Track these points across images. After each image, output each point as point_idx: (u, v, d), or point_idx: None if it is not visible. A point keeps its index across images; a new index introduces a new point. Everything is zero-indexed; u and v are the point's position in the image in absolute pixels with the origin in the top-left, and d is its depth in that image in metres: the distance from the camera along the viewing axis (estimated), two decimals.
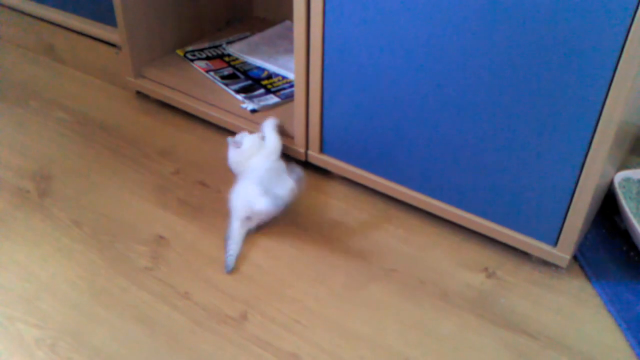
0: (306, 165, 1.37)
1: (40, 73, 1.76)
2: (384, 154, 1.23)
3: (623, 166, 1.33)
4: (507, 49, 0.98)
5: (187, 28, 1.67)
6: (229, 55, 1.64)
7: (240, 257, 1.15)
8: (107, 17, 1.64)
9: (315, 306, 1.07)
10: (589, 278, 1.13)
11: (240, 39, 1.71)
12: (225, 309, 1.06)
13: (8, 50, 1.87)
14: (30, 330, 1.01)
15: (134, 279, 1.11)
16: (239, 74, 1.56)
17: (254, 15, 1.87)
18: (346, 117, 1.24)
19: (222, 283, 1.10)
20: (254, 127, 1.38)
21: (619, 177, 1.25)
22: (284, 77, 1.55)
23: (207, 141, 1.47)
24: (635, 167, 1.31)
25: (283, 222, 1.23)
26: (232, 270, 1.12)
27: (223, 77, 1.54)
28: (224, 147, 1.31)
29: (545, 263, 1.15)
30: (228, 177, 1.30)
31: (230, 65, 1.59)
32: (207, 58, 1.62)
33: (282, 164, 1.28)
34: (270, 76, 1.55)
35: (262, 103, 1.44)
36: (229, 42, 1.69)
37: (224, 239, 1.18)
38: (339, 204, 1.29)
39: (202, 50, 1.65)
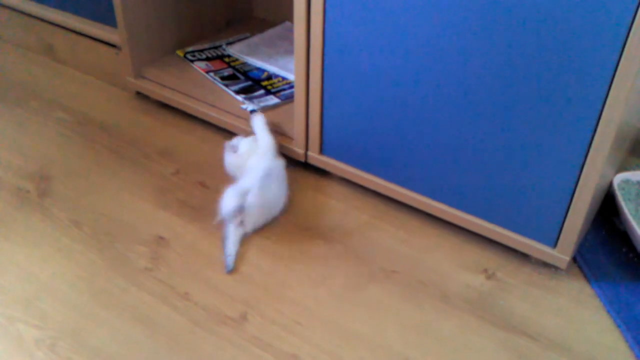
0: (306, 166, 1.37)
1: (40, 73, 1.76)
2: (384, 155, 1.23)
3: (622, 168, 1.34)
4: (507, 49, 0.98)
5: (187, 29, 1.67)
6: (229, 56, 1.64)
7: (240, 257, 1.15)
8: (107, 17, 1.64)
9: (315, 307, 1.07)
10: (588, 279, 1.13)
11: (240, 40, 1.71)
12: (225, 309, 1.06)
13: (8, 51, 1.87)
14: (29, 330, 1.01)
15: (133, 279, 1.11)
16: (239, 74, 1.56)
17: (254, 16, 1.87)
18: (346, 118, 1.24)
19: (222, 284, 1.10)
20: None
21: (618, 178, 1.25)
22: (283, 78, 1.55)
23: (207, 142, 1.47)
24: (634, 169, 1.31)
25: (283, 223, 1.23)
26: (232, 271, 1.12)
27: (223, 78, 1.54)
28: (224, 149, 1.31)
29: (544, 264, 1.15)
30: (228, 177, 1.30)
31: (230, 66, 1.59)
32: (207, 59, 1.62)
33: (280, 164, 1.28)
34: (270, 77, 1.55)
35: (262, 104, 1.44)
36: (229, 43, 1.69)
37: (222, 239, 1.18)
38: (338, 205, 1.29)
39: (202, 51, 1.65)
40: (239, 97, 1.47)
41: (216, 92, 1.49)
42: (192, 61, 1.60)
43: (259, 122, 1.34)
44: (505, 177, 1.10)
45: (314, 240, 1.20)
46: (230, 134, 1.45)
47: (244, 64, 1.61)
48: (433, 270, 1.15)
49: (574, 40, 0.92)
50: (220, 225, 1.20)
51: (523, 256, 1.17)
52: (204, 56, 1.63)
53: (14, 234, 1.20)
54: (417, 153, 1.18)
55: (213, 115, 1.46)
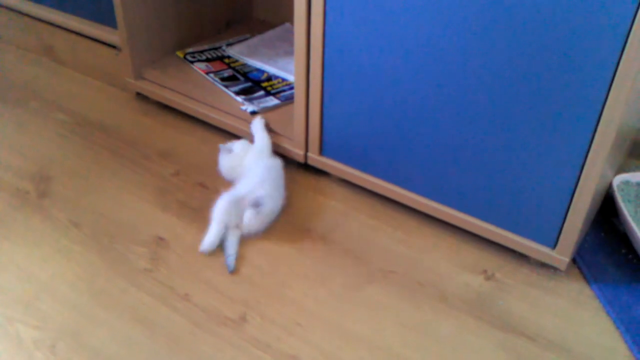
0: (306, 167, 1.38)
1: (40, 74, 1.76)
2: (383, 156, 1.23)
3: (622, 169, 1.34)
4: (507, 50, 0.99)
5: (187, 30, 1.67)
6: (228, 57, 1.64)
7: (240, 258, 1.15)
8: (107, 18, 1.64)
9: (314, 308, 1.07)
10: (587, 280, 1.13)
11: (240, 41, 1.71)
12: (224, 310, 1.06)
13: (8, 51, 1.88)
14: (29, 331, 1.01)
15: (133, 280, 1.11)
16: (238, 75, 1.56)
17: (254, 17, 1.87)
18: (346, 119, 1.24)
19: (222, 285, 1.10)
20: None
21: (617, 180, 1.25)
22: (283, 79, 1.55)
23: (207, 143, 1.47)
24: (633, 171, 1.31)
25: (282, 223, 1.23)
26: (234, 271, 1.13)
27: (223, 79, 1.54)
28: (219, 151, 1.31)
29: (544, 265, 1.15)
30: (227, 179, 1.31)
31: (230, 67, 1.60)
32: (207, 60, 1.62)
33: (278, 165, 1.28)
34: (270, 78, 1.55)
35: (262, 105, 1.44)
36: (228, 44, 1.69)
37: (222, 242, 1.18)
38: (338, 206, 1.29)
39: (202, 52, 1.65)
40: (239, 98, 1.47)
41: (216, 93, 1.49)
42: (192, 62, 1.60)
43: (258, 123, 1.35)
44: (505, 178, 1.10)
45: (313, 240, 1.20)
46: (230, 135, 1.45)
47: (244, 65, 1.61)
48: (432, 270, 1.15)
49: (574, 41, 0.93)
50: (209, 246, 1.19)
51: (522, 257, 1.17)
52: (203, 57, 1.63)
53: (13, 234, 1.20)
54: (416, 154, 1.18)
55: (213, 116, 1.46)
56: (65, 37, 1.74)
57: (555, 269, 1.14)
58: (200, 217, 1.25)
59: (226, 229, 1.17)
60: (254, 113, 1.42)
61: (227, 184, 1.31)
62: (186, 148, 1.45)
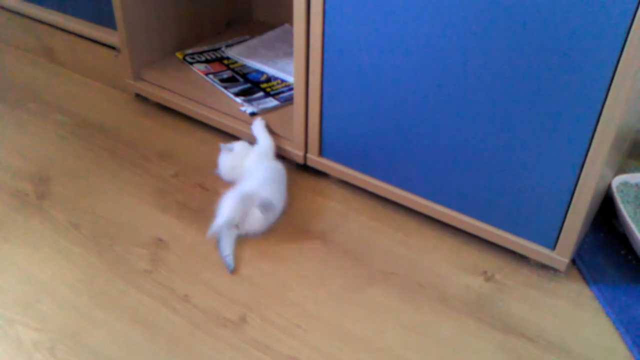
0: (305, 168, 1.38)
1: (39, 75, 1.76)
2: (383, 157, 1.23)
3: (621, 170, 1.34)
4: (507, 50, 0.99)
5: (186, 31, 1.67)
6: (228, 59, 1.64)
7: (240, 259, 1.15)
8: (106, 19, 1.64)
9: (314, 309, 1.07)
10: (587, 281, 1.13)
11: (239, 42, 1.71)
12: (224, 312, 1.06)
13: (7, 53, 1.88)
14: (28, 332, 1.01)
15: (133, 281, 1.11)
16: (238, 77, 1.56)
17: (254, 18, 1.88)
18: (345, 120, 1.24)
19: (222, 286, 1.10)
20: None
21: (616, 181, 1.25)
22: (282, 81, 1.55)
23: (207, 144, 1.47)
24: (632, 172, 1.32)
25: (282, 224, 1.23)
26: (234, 270, 1.12)
27: (222, 80, 1.54)
28: (220, 150, 1.31)
29: (543, 266, 1.15)
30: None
31: (229, 69, 1.60)
32: (206, 61, 1.62)
33: (281, 167, 1.28)
34: (269, 79, 1.55)
35: (261, 106, 1.44)
36: (228, 45, 1.69)
37: (216, 241, 1.18)
38: (337, 207, 1.29)
39: (201, 53, 1.65)
40: (238, 100, 1.47)
41: (215, 95, 1.49)
42: (191, 63, 1.60)
43: (259, 125, 1.35)
44: (505, 179, 1.10)
45: (313, 242, 1.20)
46: (229, 136, 1.45)
47: (243, 66, 1.61)
48: (432, 272, 1.15)
49: (573, 41, 0.93)
50: (218, 229, 1.19)
51: (522, 258, 1.17)
52: (203, 58, 1.63)
53: (13, 235, 1.20)
54: (416, 155, 1.18)
55: (212, 117, 1.46)
56: (65, 38, 1.74)
57: (555, 270, 1.15)
58: (199, 218, 1.25)
59: (227, 226, 1.17)
60: (253, 114, 1.42)
61: (227, 184, 1.32)
62: (185, 149, 1.45)
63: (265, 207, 1.17)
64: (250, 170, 1.27)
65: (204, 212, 1.26)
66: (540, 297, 1.10)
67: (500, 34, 0.98)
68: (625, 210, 1.18)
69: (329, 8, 1.14)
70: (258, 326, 1.03)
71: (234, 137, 1.42)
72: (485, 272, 1.15)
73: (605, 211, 1.26)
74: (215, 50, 1.67)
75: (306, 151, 1.34)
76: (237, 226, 1.17)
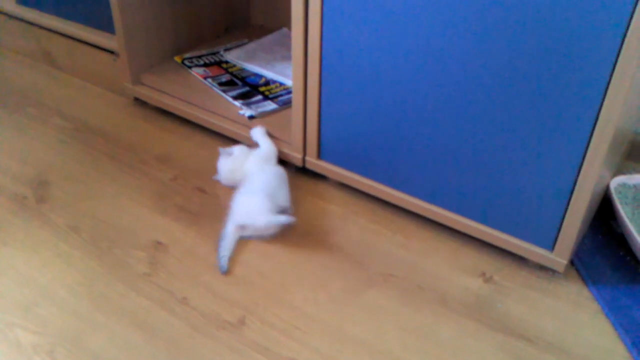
0: (304, 171, 1.38)
1: (38, 80, 1.76)
2: (382, 160, 1.23)
3: (619, 172, 1.34)
4: (505, 52, 0.99)
5: (185, 35, 1.68)
6: (226, 62, 1.64)
7: (239, 262, 1.15)
8: (105, 24, 1.64)
9: (314, 311, 1.07)
10: (585, 282, 1.13)
11: (237, 46, 1.71)
12: (223, 314, 1.06)
13: (6, 57, 1.88)
14: (28, 336, 1.01)
15: (132, 284, 1.11)
16: (236, 80, 1.57)
17: (252, 22, 1.88)
18: (344, 123, 1.24)
19: (221, 288, 1.10)
20: None
21: (614, 182, 1.26)
22: (281, 84, 1.55)
23: (205, 147, 1.47)
24: (630, 173, 1.32)
25: (282, 227, 1.23)
26: (227, 272, 1.13)
27: (221, 84, 1.54)
28: (219, 154, 1.31)
29: (542, 268, 1.15)
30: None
31: (227, 72, 1.60)
32: (205, 65, 1.62)
33: (283, 172, 1.29)
34: (267, 83, 1.56)
35: (259, 109, 1.44)
36: (226, 49, 1.70)
37: (218, 240, 1.18)
38: (337, 210, 1.29)
39: (199, 57, 1.66)
40: (237, 103, 1.47)
41: (214, 98, 1.49)
42: (189, 67, 1.61)
43: (259, 131, 1.35)
44: (503, 181, 1.10)
45: (312, 244, 1.20)
46: (228, 139, 1.45)
47: (242, 70, 1.61)
48: (431, 274, 1.15)
49: (571, 43, 0.93)
50: (222, 230, 1.20)
51: (521, 259, 1.17)
52: (201, 62, 1.63)
53: (12, 239, 1.20)
54: (415, 157, 1.18)
55: (211, 121, 1.47)
56: (64, 42, 1.75)
57: (553, 271, 1.15)
58: (198, 221, 1.25)
59: (232, 227, 1.17)
60: (251, 117, 1.42)
61: (226, 188, 1.32)
62: (184, 153, 1.46)
63: (283, 213, 1.20)
64: (251, 174, 1.27)
65: (202, 215, 1.26)
66: (539, 298, 1.10)
67: (499, 35, 0.98)
68: (623, 211, 1.18)
69: (327, 11, 1.14)
70: (257, 328, 1.03)
71: (232, 141, 1.43)
72: (484, 274, 1.15)
73: (604, 212, 1.27)
74: (213, 54, 1.68)
75: (305, 154, 1.35)
76: (244, 227, 1.18)
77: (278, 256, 1.17)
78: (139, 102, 1.63)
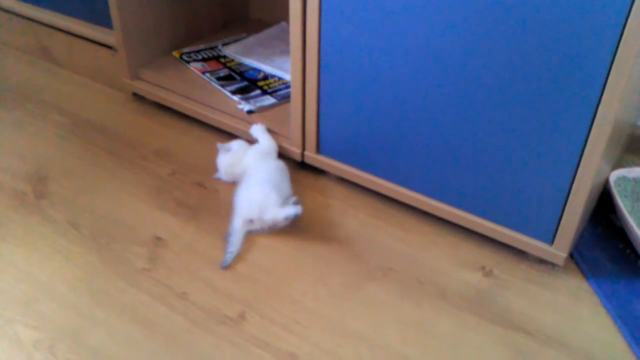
0: (303, 165, 1.38)
1: (36, 75, 1.75)
2: (381, 154, 1.23)
3: (618, 165, 1.34)
4: (505, 48, 0.99)
5: (183, 30, 1.67)
6: (224, 57, 1.64)
7: (238, 257, 1.15)
8: (103, 19, 1.64)
9: (313, 306, 1.07)
10: (585, 276, 1.13)
11: (236, 41, 1.71)
12: (223, 309, 1.06)
13: (4, 53, 1.87)
14: (28, 332, 1.01)
15: (131, 280, 1.11)
16: (235, 75, 1.56)
17: (250, 16, 1.88)
18: (343, 117, 1.24)
19: (220, 283, 1.10)
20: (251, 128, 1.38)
21: (614, 175, 1.25)
22: (279, 78, 1.55)
23: (204, 142, 1.47)
24: (630, 166, 1.32)
25: (291, 220, 1.23)
26: (227, 267, 1.13)
27: (219, 79, 1.54)
28: (218, 150, 1.31)
29: (542, 261, 1.15)
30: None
31: (226, 67, 1.60)
32: (203, 59, 1.62)
33: (284, 167, 1.29)
34: (266, 77, 1.55)
35: (258, 104, 1.44)
36: (224, 44, 1.69)
37: (226, 235, 1.18)
38: (336, 204, 1.29)
39: (198, 51, 1.65)
40: (235, 98, 1.47)
41: (212, 93, 1.49)
42: (188, 62, 1.60)
43: (259, 128, 1.35)
44: (502, 175, 1.10)
45: (312, 239, 1.20)
46: (226, 134, 1.45)
47: (240, 64, 1.61)
48: (431, 268, 1.15)
49: (569, 38, 0.93)
50: (222, 224, 1.20)
51: (520, 253, 1.17)
52: (199, 57, 1.63)
53: (12, 235, 1.20)
54: (414, 151, 1.18)
55: (209, 116, 1.46)
56: (62, 38, 1.74)
57: (553, 264, 1.15)
58: (197, 215, 1.25)
59: (245, 221, 1.18)
60: (250, 112, 1.42)
61: (224, 183, 1.32)
62: (183, 147, 1.45)
63: (295, 205, 1.20)
64: (252, 168, 1.27)
65: (201, 210, 1.26)
66: (539, 291, 1.10)
67: (498, 33, 0.98)
68: (622, 204, 1.18)
69: (325, 6, 1.14)
70: (257, 323, 1.03)
71: (231, 135, 1.42)
72: (483, 268, 1.15)
73: (603, 206, 1.27)
74: (212, 48, 1.67)
75: (304, 149, 1.35)
76: (251, 222, 1.18)
77: (277, 251, 1.17)
78: (138, 97, 1.63)
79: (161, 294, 1.08)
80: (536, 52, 0.96)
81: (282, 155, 1.36)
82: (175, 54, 1.64)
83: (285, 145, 1.36)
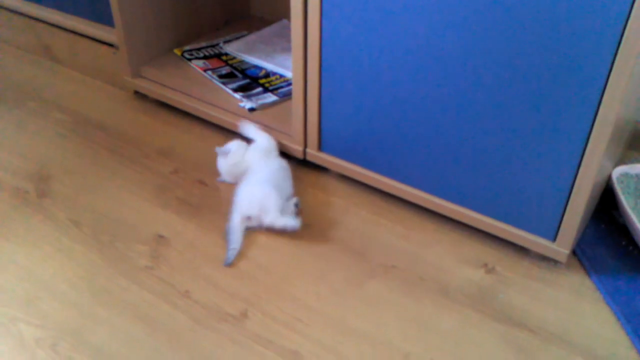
0: (304, 163, 1.38)
1: (38, 74, 1.76)
2: (383, 152, 1.23)
3: (621, 161, 1.34)
4: (506, 47, 0.98)
5: (184, 27, 1.67)
6: (226, 54, 1.64)
7: (240, 254, 1.15)
8: (104, 17, 1.64)
9: (315, 303, 1.07)
10: (588, 272, 1.13)
11: (237, 38, 1.71)
12: (225, 307, 1.06)
13: (6, 52, 1.87)
14: (30, 330, 1.01)
15: (134, 278, 1.11)
16: (236, 72, 1.56)
17: (252, 14, 1.87)
18: (344, 115, 1.24)
19: (222, 281, 1.10)
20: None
21: (617, 172, 1.25)
22: (281, 76, 1.55)
23: (206, 140, 1.47)
24: (633, 163, 1.31)
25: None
26: (231, 264, 1.13)
27: (221, 76, 1.54)
28: (216, 153, 1.31)
29: (544, 258, 1.15)
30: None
31: (227, 64, 1.59)
32: (205, 57, 1.62)
33: (286, 165, 1.29)
34: (267, 75, 1.55)
35: (260, 101, 1.44)
36: (226, 41, 1.69)
37: (225, 232, 1.18)
38: (338, 202, 1.29)
39: (199, 49, 1.65)
40: (237, 95, 1.47)
41: (214, 91, 1.49)
42: (189, 60, 1.60)
43: (250, 128, 1.35)
44: (504, 172, 1.10)
45: (313, 236, 1.20)
46: (228, 132, 1.45)
47: (242, 62, 1.61)
48: (433, 265, 1.15)
49: (570, 39, 0.92)
50: (224, 222, 1.20)
51: (522, 250, 1.17)
52: (201, 55, 1.63)
53: (13, 234, 1.20)
54: (416, 149, 1.18)
55: (211, 113, 1.46)
56: (63, 36, 1.74)
57: (555, 261, 1.15)
58: (199, 213, 1.25)
59: (243, 218, 1.18)
60: (252, 110, 1.41)
61: (226, 181, 1.32)
62: (185, 145, 1.45)
63: (297, 206, 1.21)
64: (253, 167, 1.27)
65: (203, 208, 1.26)
66: (541, 288, 1.10)
67: (499, 31, 0.98)
68: (625, 201, 1.18)
69: (326, 2, 1.13)
70: (259, 321, 1.03)
71: (233, 133, 1.42)
72: (486, 265, 1.15)
73: (606, 202, 1.26)
74: (213, 46, 1.67)
75: (305, 146, 1.34)
76: (249, 218, 1.18)
77: (279, 248, 1.17)
78: (139, 95, 1.63)
79: (163, 292, 1.08)
80: (537, 51, 0.96)
81: (284, 152, 1.36)
82: (177, 51, 1.64)
83: (287, 142, 1.36)
